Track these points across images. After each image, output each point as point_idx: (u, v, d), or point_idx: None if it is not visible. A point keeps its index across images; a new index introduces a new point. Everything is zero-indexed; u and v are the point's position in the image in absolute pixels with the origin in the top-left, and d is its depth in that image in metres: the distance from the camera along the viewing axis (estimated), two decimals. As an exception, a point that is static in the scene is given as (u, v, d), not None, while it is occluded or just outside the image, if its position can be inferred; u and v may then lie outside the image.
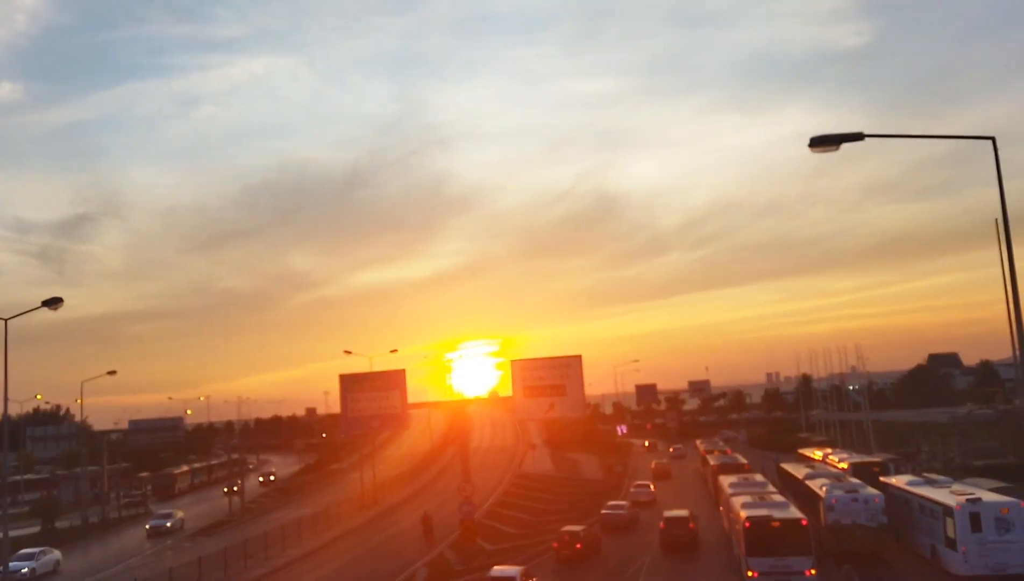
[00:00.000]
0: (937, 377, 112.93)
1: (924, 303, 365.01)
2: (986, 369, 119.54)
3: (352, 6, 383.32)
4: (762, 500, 33.33)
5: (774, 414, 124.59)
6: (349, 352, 63.77)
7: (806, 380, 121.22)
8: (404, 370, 48.28)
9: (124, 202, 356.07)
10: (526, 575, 29.89)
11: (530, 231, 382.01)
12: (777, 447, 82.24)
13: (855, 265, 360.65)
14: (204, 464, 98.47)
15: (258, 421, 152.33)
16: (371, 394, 45.07)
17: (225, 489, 66.19)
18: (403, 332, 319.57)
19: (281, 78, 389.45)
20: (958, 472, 47.04)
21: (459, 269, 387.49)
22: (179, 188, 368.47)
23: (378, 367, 59.55)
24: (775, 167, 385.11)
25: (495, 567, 30.67)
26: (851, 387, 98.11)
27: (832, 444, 66.33)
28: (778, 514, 30.41)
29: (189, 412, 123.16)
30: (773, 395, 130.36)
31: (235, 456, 75.85)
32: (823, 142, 14.91)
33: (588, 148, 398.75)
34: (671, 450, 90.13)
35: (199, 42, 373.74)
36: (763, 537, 29.10)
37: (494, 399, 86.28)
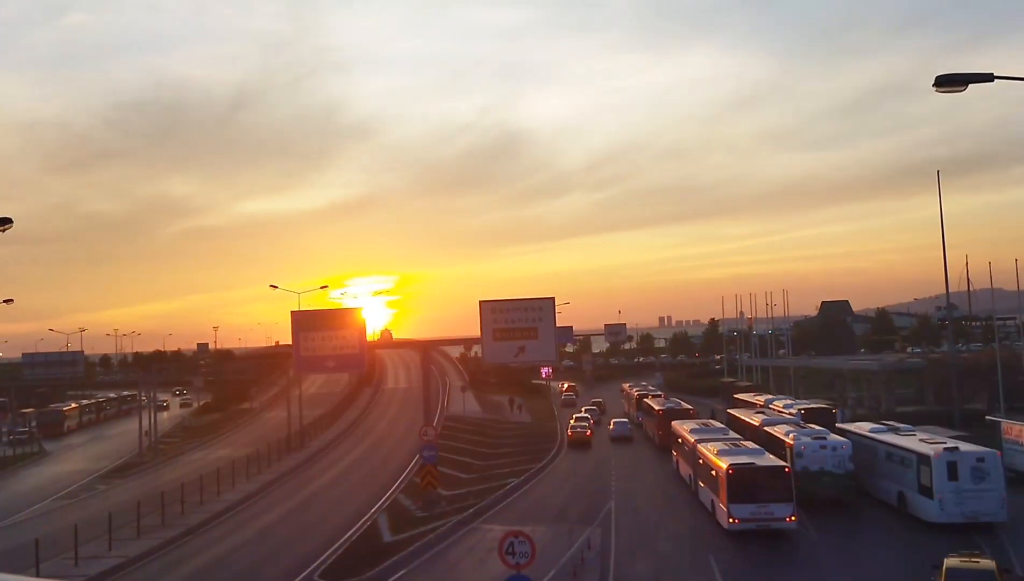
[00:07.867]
0: (839, 324, 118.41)
1: (814, 252, 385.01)
2: (882, 317, 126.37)
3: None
4: (737, 447, 33.51)
5: (679, 358, 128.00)
6: (275, 286, 58.74)
7: (714, 325, 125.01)
8: (361, 308, 45.32)
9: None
10: None
11: (429, 165, 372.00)
12: (696, 391, 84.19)
13: (750, 212, 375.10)
14: (93, 401, 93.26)
15: (138, 356, 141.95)
16: (326, 333, 41.86)
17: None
18: (291, 266, 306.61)
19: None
20: (887, 419, 48.82)
21: (353, 201, 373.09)
22: (42, 102, 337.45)
23: (308, 305, 55.86)
24: (677, 110, 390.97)
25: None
26: (753, 332, 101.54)
27: (757, 389, 68.04)
28: (760, 462, 30.70)
29: (69, 345, 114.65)
30: (681, 339, 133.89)
31: (140, 392, 70.11)
32: (951, 82, 13.99)
33: (492, 80, 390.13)
34: (582, 411, 64.65)
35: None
36: (746, 485, 29.09)
37: (387, 339, 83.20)
